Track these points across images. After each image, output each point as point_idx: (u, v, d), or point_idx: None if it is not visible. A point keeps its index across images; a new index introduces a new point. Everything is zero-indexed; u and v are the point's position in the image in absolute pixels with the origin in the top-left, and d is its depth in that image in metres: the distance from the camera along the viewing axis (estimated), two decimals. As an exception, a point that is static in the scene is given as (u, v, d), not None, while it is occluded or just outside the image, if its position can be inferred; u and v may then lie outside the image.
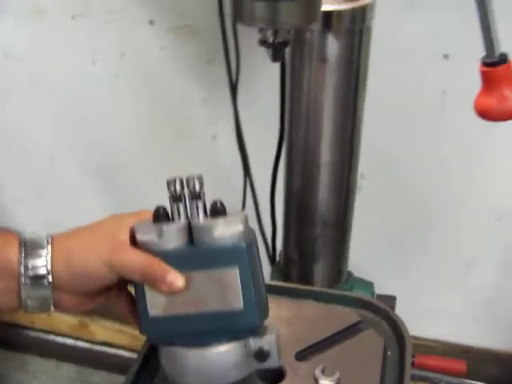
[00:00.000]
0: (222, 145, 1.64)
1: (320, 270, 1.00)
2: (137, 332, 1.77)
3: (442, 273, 1.72)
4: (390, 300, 1.03)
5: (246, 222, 0.71)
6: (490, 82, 0.70)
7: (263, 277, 0.75)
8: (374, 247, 1.66)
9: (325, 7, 0.77)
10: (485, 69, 0.71)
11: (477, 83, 1.31)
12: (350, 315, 0.90)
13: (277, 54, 0.74)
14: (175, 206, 0.71)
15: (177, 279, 0.70)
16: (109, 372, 2.00)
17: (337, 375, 0.80)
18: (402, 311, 1.01)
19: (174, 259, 0.70)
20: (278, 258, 1.08)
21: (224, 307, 0.71)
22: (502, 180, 1.51)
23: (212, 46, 1.46)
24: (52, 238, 0.72)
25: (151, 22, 1.48)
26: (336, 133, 0.88)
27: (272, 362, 0.74)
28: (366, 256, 1.59)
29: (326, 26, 0.79)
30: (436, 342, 1.85)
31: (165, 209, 0.72)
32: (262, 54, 1.42)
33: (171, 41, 1.49)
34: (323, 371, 0.80)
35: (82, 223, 1.68)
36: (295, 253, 1.00)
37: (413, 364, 1.03)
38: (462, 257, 1.68)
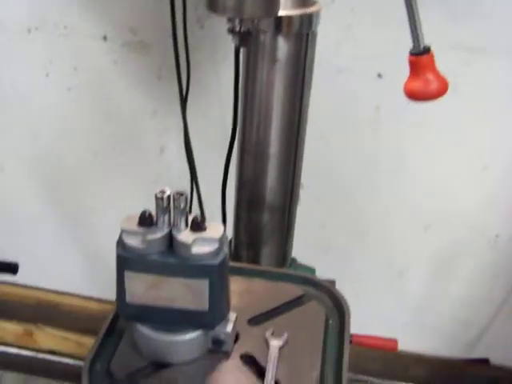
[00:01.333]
0: (169, 157, 1.72)
1: (267, 253, 1.10)
2: (81, 339, 1.81)
3: (377, 279, 1.82)
4: (330, 283, 1.12)
5: (222, 238, 0.80)
6: (416, 69, 0.83)
7: (229, 283, 0.85)
8: (314, 254, 1.75)
9: (276, 12, 0.88)
10: (412, 58, 0.84)
11: (406, 100, 1.45)
12: (295, 290, 1.00)
13: (242, 41, 0.86)
14: (161, 217, 0.79)
15: None
16: (54, 379, 2.01)
17: (285, 336, 0.89)
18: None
19: (153, 264, 0.80)
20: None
21: (191, 307, 0.82)
22: (429, 191, 1.63)
23: (163, 62, 1.55)
24: None
25: (105, 38, 1.55)
26: (284, 126, 0.98)
27: (226, 347, 0.87)
28: (306, 262, 1.70)
29: (277, 29, 0.90)
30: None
31: (150, 214, 0.80)
32: (212, 70, 1.53)
33: (124, 55, 1.57)
34: (273, 334, 0.90)
35: (29, 234, 1.72)
36: (245, 238, 1.09)
37: (350, 342, 1.14)
38: (395, 264, 1.79)
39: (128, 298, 0.82)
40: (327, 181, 1.66)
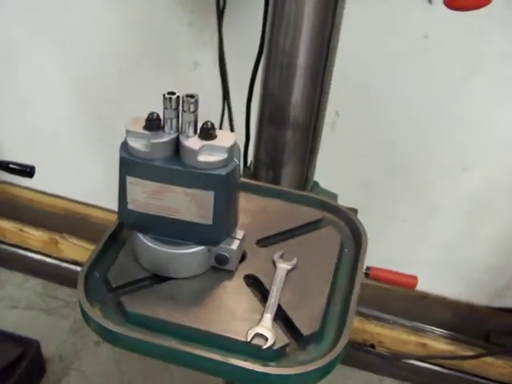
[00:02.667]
0: (203, 72, 1.66)
1: (288, 174, 1.04)
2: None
3: (407, 217, 1.77)
4: (352, 211, 1.06)
5: (232, 147, 0.74)
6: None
7: (237, 198, 0.80)
8: (345, 184, 1.69)
9: None
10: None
11: (458, 30, 1.35)
12: (313, 213, 0.94)
13: None
14: (168, 121, 0.74)
15: None
16: (74, 288, 2.03)
17: (294, 261, 0.84)
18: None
19: (156, 171, 0.74)
20: (248, 164, 1.12)
21: (194, 219, 0.77)
22: (471, 133, 1.54)
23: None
24: None
25: None
26: (314, 35, 0.90)
27: (229, 266, 0.81)
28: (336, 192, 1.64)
29: None
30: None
31: (158, 116, 0.74)
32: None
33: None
34: (282, 256, 0.85)
35: (61, 146, 1.69)
36: (265, 157, 1.03)
37: (367, 275, 1.09)
38: (427, 203, 1.72)
39: (129, 205, 0.78)
40: (365, 110, 1.58)
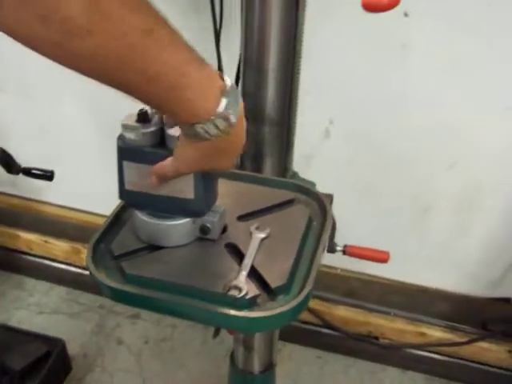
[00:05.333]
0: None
1: (269, 165, 1.19)
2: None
3: (403, 216, 1.88)
4: (328, 197, 1.21)
5: None
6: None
7: (215, 177, 0.95)
8: (340, 189, 1.82)
9: None
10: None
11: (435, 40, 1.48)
12: (286, 194, 1.09)
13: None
14: (154, 115, 0.90)
15: None
16: (96, 294, 2.19)
17: (268, 230, 0.99)
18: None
19: (146, 155, 0.90)
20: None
21: (179, 195, 0.93)
22: (454, 130, 1.67)
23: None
24: None
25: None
26: (280, 43, 1.06)
27: (212, 235, 0.97)
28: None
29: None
30: (393, 281, 2.01)
31: (146, 111, 0.90)
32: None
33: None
34: (257, 228, 1.00)
35: (75, 160, 1.82)
36: (249, 149, 1.19)
37: (344, 253, 1.23)
38: (420, 201, 1.84)
39: (127, 186, 0.93)
40: (356, 117, 1.72)
